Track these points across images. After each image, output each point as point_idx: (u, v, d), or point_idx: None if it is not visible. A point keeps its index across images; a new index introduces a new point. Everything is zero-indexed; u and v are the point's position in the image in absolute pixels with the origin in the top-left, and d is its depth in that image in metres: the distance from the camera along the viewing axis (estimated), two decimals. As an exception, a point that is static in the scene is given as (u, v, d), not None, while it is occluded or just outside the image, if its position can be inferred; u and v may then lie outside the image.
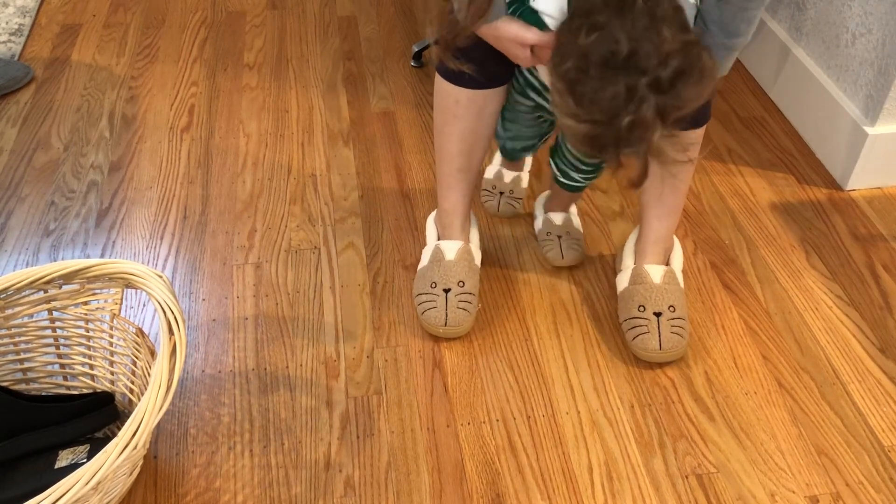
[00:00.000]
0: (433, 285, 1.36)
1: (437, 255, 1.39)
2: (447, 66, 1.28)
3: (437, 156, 1.39)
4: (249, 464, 1.19)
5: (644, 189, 1.35)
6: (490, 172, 1.60)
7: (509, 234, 1.56)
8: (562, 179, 1.40)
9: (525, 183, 1.61)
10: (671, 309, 1.32)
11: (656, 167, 1.29)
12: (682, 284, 1.38)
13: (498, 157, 1.61)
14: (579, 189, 1.43)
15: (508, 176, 1.59)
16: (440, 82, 1.30)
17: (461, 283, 1.35)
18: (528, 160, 1.64)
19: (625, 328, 1.34)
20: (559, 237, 1.47)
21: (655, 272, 1.36)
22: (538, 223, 1.53)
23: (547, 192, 1.55)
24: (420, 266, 1.41)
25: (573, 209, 1.54)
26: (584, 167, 1.35)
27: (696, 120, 1.27)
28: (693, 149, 1.32)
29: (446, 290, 1.35)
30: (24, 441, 1.12)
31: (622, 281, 1.38)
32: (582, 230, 1.52)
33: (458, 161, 1.35)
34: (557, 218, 1.50)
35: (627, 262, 1.40)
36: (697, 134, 1.29)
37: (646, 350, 1.30)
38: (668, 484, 1.17)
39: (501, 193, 1.58)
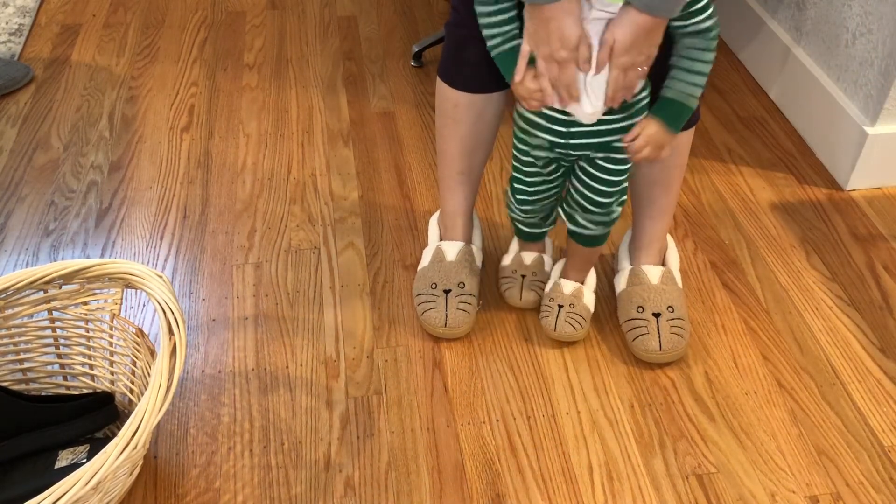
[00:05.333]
0: (433, 286, 1.36)
1: (438, 255, 1.39)
2: (448, 68, 1.28)
3: (438, 159, 1.39)
4: (249, 464, 1.19)
5: (635, 191, 1.35)
6: (507, 258, 1.43)
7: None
8: (571, 227, 1.28)
9: (549, 266, 1.42)
10: (670, 309, 1.32)
11: (650, 172, 1.31)
12: (680, 284, 1.38)
13: (514, 243, 1.44)
14: (592, 240, 1.30)
15: (529, 257, 1.41)
16: (441, 86, 1.30)
17: (461, 285, 1.35)
18: (550, 246, 1.46)
19: (624, 329, 1.34)
20: (560, 307, 1.33)
21: (653, 273, 1.36)
22: (547, 287, 1.38)
23: (564, 260, 1.40)
24: (420, 266, 1.41)
25: (590, 280, 1.38)
26: (591, 206, 1.22)
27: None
28: (684, 151, 1.32)
29: (446, 291, 1.35)
30: (24, 441, 1.12)
31: (620, 282, 1.39)
32: (592, 308, 1.36)
33: (458, 164, 1.35)
34: (567, 286, 1.34)
35: (623, 264, 1.40)
36: (687, 136, 1.29)
37: (646, 351, 1.30)
38: (668, 484, 1.17)
39: (523, 277, 1.39)
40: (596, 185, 1.20)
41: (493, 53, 1.13)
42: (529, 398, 1.28)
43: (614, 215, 1.25)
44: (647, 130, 1.12)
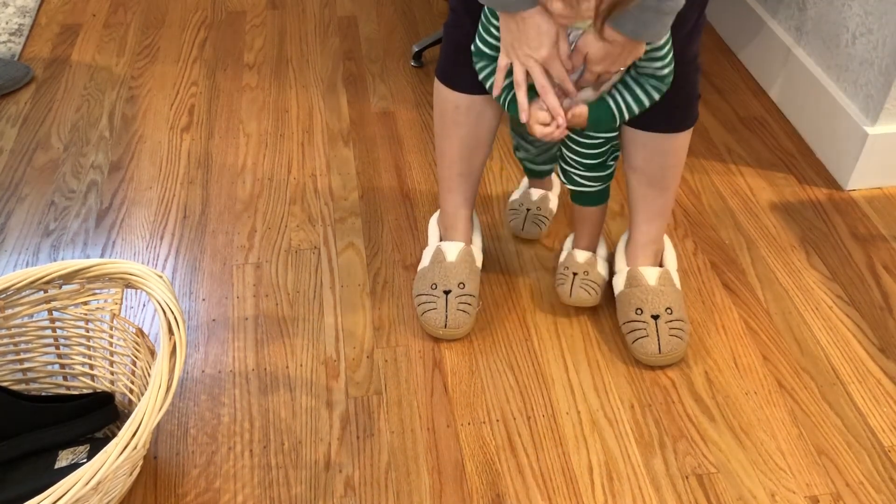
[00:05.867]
0: (433, 286, 1.36)
1: (438, 256, 1.39)
2: (447, 70, 1.28)
3: (437, 160, 1.39)
4: (249, 464, 1.19)
5: (632, 192, 1.35)
6: (517, 193, 1.55)
7: (511, 235, 1.56)
8: (570, 186, 1.34)
9: (553, 203, 1.54)
10: (668, 311, 1.32)
11: (646, 173, 1.31)
12: (678, 285, 1.38)
13: (525, 180, 1.57)
14: (594, 197, 1.35)
15: (536, 194, 1.53)
16: (439, 88, 1.30)
17: (461, 285, 1.35)
18: (557, 185, 1.56)
19: (624, 331, 1.34)
20: (575, 275, 1.38)
21: (650, 274, 1.35)
22: (561, 257, 1.44)
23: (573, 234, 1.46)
24: (420, 266, 1.41)
25: (601, 249, 1.44)
26: (584, 168, 1.31)
27: (682, 121, 1.27)
28: (681, 152, 1.32)
29: (446, 292, 1.35)
30: (24, 441, 1.12)
31: (618, 283, 1.38)
32: (606, 275, 1.42)
33: (458, 166, 1.35)
34: (581, 255, 1.40)
35: (620, 266, 1.40)
36: (684, 138, 1.29)
37: (645, 353, 1.30)
38: (668, 484, 1.17)
39: (528, 210, 1.51)
40: (583, 150, 1.27)
41: (508, 104, 1.18)
42: (529, 398, 1.28)
43: (610, 170, 1.32)
44: (579, 109, 1.16)
